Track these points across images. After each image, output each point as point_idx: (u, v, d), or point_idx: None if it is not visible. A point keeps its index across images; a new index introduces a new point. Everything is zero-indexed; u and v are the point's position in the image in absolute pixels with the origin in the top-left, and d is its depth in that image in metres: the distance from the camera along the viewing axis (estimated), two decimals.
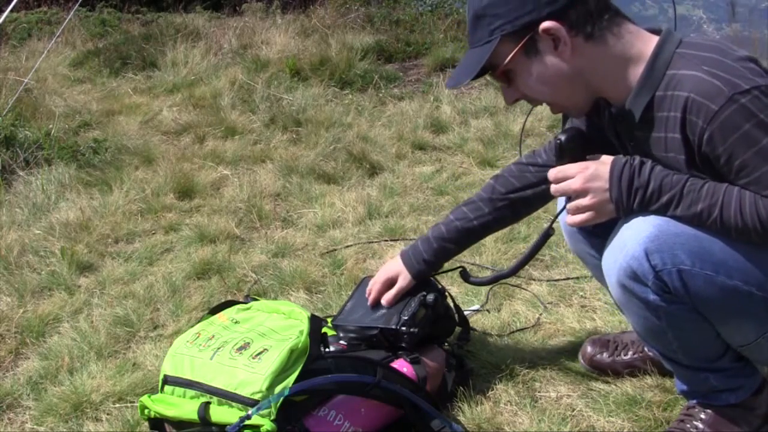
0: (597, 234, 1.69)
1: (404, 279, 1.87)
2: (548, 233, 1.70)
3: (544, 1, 1.36)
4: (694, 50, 1.35)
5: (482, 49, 1.43)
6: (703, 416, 1.59)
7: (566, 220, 1.50)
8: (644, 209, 1.40)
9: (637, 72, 1.40)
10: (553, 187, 1.49)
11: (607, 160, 1.44)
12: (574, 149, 1.51)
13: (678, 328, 1.47)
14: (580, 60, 1.40)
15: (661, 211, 1.39)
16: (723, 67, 1.30)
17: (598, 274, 1.81)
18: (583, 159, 1.48)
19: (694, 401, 1.62)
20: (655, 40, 1.40)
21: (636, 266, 1.39)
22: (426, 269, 1.86)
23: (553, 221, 1.69)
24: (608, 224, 1.49)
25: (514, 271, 1.79)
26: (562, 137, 1.51)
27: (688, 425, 1.60)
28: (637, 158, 1.41)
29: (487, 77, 1.55)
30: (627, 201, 1.40)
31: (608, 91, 1.46)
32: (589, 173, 1.43)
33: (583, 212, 1.45)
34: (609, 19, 1.39)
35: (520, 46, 1.40)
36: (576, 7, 1.37)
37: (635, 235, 1.39)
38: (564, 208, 1.69)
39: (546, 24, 1.36)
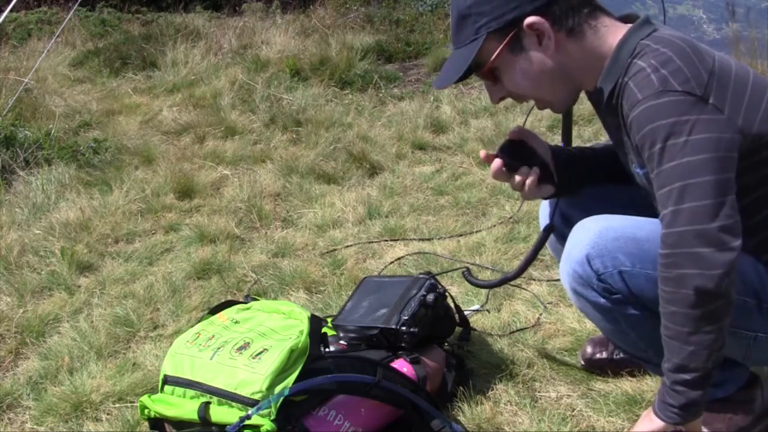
0: None
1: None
2: (550, 229, 1.72)
3: None
4: (656, 43, 1.35)
5: (468, 48, 1.43)
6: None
7: None
8: (691, 400, 1.37)
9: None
10: None
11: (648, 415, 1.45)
12: (511, 160, 1.57)
13: (638, 327, 1.50)
14: (563, 55, 1.41)
15: (697, 384, 1.36)
16: (669, 64, 1.30)
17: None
18: (522, 164, 1.56)
19: None
20: (625, 30, 1.41)
21: (581, 272, 1.45)
22: (556, 151, 1.66)
23: (553, 216, 1.72)
24: None
25: (519, 273, 1.79)
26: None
27: None
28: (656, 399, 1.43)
29: (471, 78, 1.55)
30: (686, 412, 1.39)
31: (586, 84, 1.48)
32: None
33: None
34: (588, 14, 1.41)
35: (505, 42, 1.41)
36: (558, 2, 1.38)
37: (579, 243, 1.46)
38: (556, 205, 1.72)
39: (530, 19, 1.37)
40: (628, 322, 1.50)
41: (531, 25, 1.38)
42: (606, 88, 1.41)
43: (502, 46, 1.41)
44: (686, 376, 1.36)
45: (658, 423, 1.43)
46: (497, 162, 1.57)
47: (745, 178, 1.33)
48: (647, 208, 1.51)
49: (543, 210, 1.83)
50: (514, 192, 3.07)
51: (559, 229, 1.73)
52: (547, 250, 2.55)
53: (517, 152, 1.58)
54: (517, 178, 1.58)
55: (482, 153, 1.61)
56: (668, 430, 1.42)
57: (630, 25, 1.41)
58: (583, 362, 1.92)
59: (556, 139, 1.88)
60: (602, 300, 1.47)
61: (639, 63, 1.33)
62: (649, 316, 1.45)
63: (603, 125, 1.61)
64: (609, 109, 1.44)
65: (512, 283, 2.37)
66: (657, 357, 1.53)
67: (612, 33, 1.41)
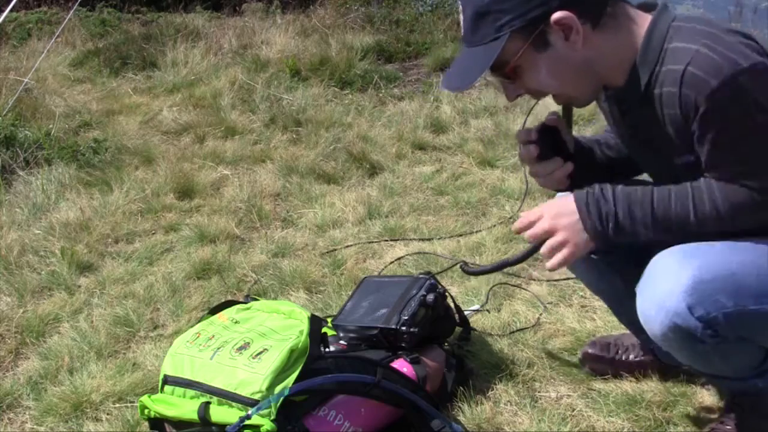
0: (615, 269, 1.69)
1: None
2: None
3: None
4: (690, 23, 1.33)
5: (488, 48, 1.35)
6: (751, 404, 1.59)
7: (546, 265, 1.47)
8: (621, 233, 1.39)
9: (635, 55, 1.38)
10: (525, 234, 1.48)
11: (565, 195, 1.45)
12: (546, 150, 1.52)
13: (727, 356, 1.45)
14: (589, 49, 1.35)
15: (639, 229, 1.38)
16: (722, 42, 1.27)
17: (617, 309, 1.83)
18: (554, 155, 1.52)
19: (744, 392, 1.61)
20: (650, 18, 1.38)
21: (681, 322, 1.34)
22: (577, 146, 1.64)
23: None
24: (622, 257, 1.52)
25: (521, 260, 1.68)
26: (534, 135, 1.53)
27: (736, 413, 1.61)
28: (596, 186, 1.41)
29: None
30: (602, 228, 1.39)
31: (611, 78, 1.43)
32: (554, 211, 1.43)
33: (560, 250, 1.43)
34: (611, 4, 1.36)
35: (531, 40, 1.33)
36: None
37: (673, 290, 1.34)
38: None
39: (558, 14, 1.30)
40: (719, 352, 1.42)
41: (559, 21, 1.31)
42: (642, 79, 1.37)
43: (526, 45, 1.34)
44: (661, 224, 1.36)
45: (578, 229, 1.41)
46: (533, 149, 1.52)
47: None
48: None
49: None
50: (514, 191, 3.10)
51: None
52: None
53: (550, 140, 1.54)
54: (545, 167, 1.53)
55: (520, 132, 1.54)
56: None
57: (648, 14, 1.38)
58: (584, 365, 1.92)
59: None
60: (701, 344, 1.37)
61: (685, 46, 1.29)
62: (741, 344, 1.42)
63: (611, 119, 1.56)
64: (645, 100, 1.39)
65: (512, 283, 2.38)
66: (733, 373, 1.52)
67: (636, 22, 1.38)
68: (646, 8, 1.42)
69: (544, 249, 1.45)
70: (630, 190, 1.39)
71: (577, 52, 1.35)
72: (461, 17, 1.40)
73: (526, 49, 1.35)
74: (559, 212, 1.43)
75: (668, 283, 1.35)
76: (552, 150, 1.54)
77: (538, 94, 1.47)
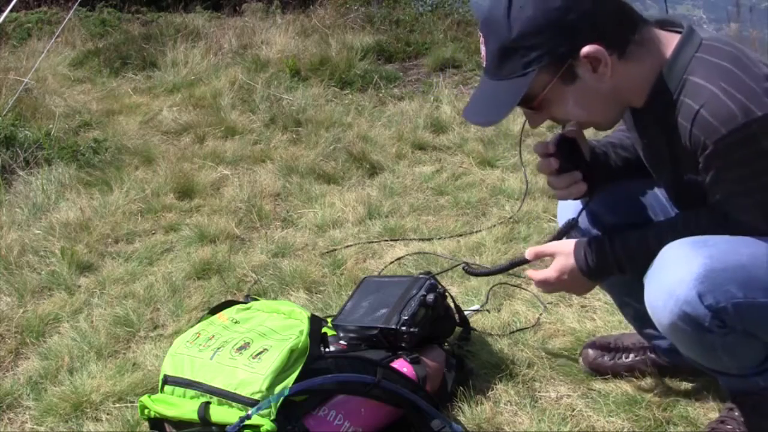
0: None
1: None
2: (573, 224, 1.66)
3: (581, 26, 1.31)
4: (713, 57, 1.33)
5: (515, 83, 1.35)
6: (752, 404, 1.59)
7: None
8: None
9: (657, 78, 1.39)
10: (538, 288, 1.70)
11: (567, 252, 1.56)
12: (564, 163, 1.53)
13: (732, 349, 1.45)
14: (616, 78, 1.36)
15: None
16: (740, 85, 1.28)
17: (623, 303, 1.84)
18: (572, 167, 1.54)
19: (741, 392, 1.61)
20: (676, 41, 1.38)
21: (690, 310, 1.35)
22: (592, 154, 1.66)
23: (579, 214, 1.67)
24: None
25: (524, 261, 1.71)
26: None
27: (737, 413, 1.60)
28: (593, 242, 1.54)
29: None
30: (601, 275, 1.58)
31: (633, 100, 1.45)
32: (565, 278, 1.58)
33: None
34: (637, 31, 1.36)
35: (559, 75, 1.34)
36: (609, 26, 1.33)
37: (683, 278, 1.35)
38: (587, 204, 1.67)
39: (587, 49, 1.31)
40: (725, 347, 1.43)
41: (588, 55, 1.32)
42: (659, 105, 1.39)
43: (555, 80, 1.35)
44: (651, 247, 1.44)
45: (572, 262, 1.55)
46: (553, 163, 1.53)
47: None
48: (667, 202, 1.62)
49: (563, 205, 1.78)
50: (514, 192, 3.09)
51: (581, 224, 1.69)
52: None
53: (568, 152, 1.53)
54: (564, 180, 1.54)
55: (538, 145, 1.55)
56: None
57: (675, 35, 1.39)
58: (584, 365, 1.92)
59: None
60: (709, 335, 1.38)
61: (703, 84, 1.31)
62: (747, 338, 1.42)
63: (632, 128, 1.58)
64: (660, 124, 1.41)
65: (512, 283, 2.38)
66: (736, 370, 1.53)
67: (661, 48, 1.39)
68: (669, 24, 1.42)
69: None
70: (629, 245, 1.50)
71: (604, 83, 1.36)
72: (483, 48, 1.39)
73: (554, 83, 1.36)
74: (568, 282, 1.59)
75: (679, 271, 1.37)
76: (569, 161, 1.53)
77: (562, 122, 1.48)
